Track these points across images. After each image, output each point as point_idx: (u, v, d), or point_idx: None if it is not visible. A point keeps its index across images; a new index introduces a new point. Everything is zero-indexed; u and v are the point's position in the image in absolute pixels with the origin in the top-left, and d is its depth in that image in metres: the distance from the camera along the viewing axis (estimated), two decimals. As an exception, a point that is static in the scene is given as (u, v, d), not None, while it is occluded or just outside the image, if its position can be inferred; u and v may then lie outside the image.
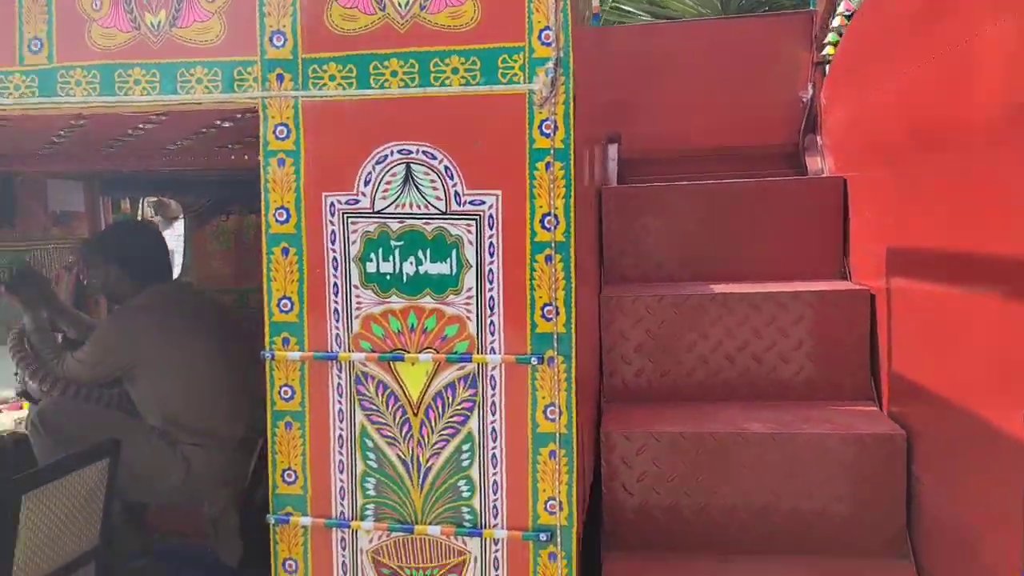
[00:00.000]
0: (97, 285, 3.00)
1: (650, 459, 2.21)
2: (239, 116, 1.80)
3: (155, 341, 2.85)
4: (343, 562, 1.73)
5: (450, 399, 1.67)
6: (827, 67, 3.07)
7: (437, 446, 1.68)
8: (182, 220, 4.00)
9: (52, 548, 2.19)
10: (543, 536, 1.64)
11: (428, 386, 1.67)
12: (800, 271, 2.72)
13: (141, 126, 2.00)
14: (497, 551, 1.68)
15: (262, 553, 3.02)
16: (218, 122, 1.97)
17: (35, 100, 1.76)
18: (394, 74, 1.63)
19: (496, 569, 1.68)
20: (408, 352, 1.67)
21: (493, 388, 1.66)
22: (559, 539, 1.65)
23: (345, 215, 1.67)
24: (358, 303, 1.68)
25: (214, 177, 3.39)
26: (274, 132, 1.68)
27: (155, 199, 3.95)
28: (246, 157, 2.59)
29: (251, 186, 3.47)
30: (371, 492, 1.71)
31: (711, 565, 2.13)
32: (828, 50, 3.00)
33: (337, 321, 1.69)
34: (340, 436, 1.71)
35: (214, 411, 2.91)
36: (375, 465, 1.70)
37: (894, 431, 2.14)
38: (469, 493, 1.68)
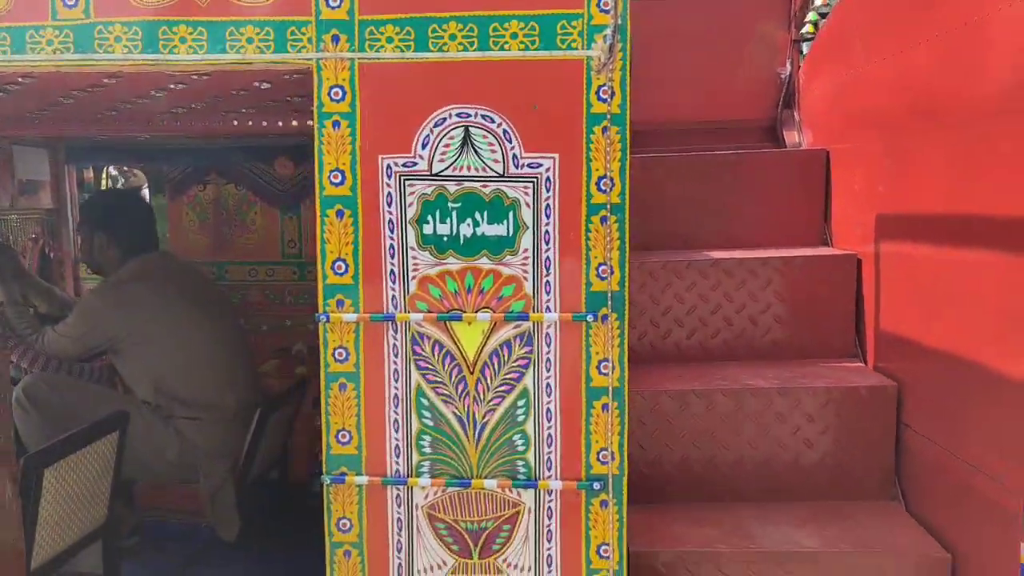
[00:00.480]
0: (81, 255, 2.90)
1: (662, 416, 2.32)
2: (288, 77, 1.78)
3: (145, 312, 2.78)
4: (398, 518, 1.76)
5: (506, 357, 1.72)
6: (804, 45, 3.22)
7: (493, 402, 1.73)
8: (146, 190, 3.88)
9: (66, 525, 2.14)
10: (596, 485, 1.73)
11: (484, 345, 1.72)
12: (785, 239, 2.88)
13: (173, 86, 1.95)
14: (551, 501, 1.75)
15: (257, 527, 3.01)
16: (256, 84, 1.94)
17: (71, 56, 1.69)
18: (452, 37, 1.65)
19: (550, 518, 1.75)
20: (465, 312, 1.71)
21: (548, 345, 1.72)
22: (611, 487, 1.73)
23: (402, 177, 1.69)
24: (415, 265, 1.71)
25: (191, 145, 3.31)
26: (329, 94, 1.68)
27: (120, 169, 3.80)
28: (264, 123, 2.56)
29: (230, 154, 3.40)
30: (427, 449, 1.75)
31: (719, 513, 2.27)
32: (807, 28, 3.16)
33: (393, 283, 1.72)
34: (395, 396, 1.74)
35: (207, 383, 2.87)
36: (431, 423, 1.74)
37: (886, 383, 2.32)
38: (524, 447, 1.74)
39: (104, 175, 3.72)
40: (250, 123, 2.61)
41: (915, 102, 2.21)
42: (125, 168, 3.74)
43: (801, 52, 3.27)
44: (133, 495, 2.99)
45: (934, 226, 2.14)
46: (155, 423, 2.76)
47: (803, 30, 3.18)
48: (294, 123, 2.69)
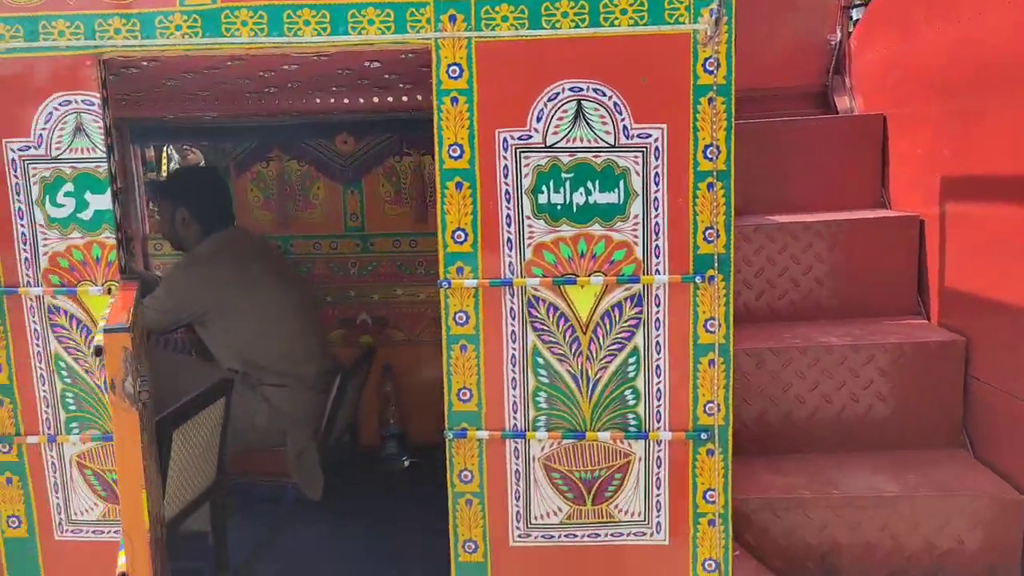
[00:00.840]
0: (162, 230, 3.00)
1: (739, 373, 2.44)
2: (404, 56, 1.87)
3: (229, 286, 2.89)
4: (516, 469, 1.89)
5: (617, 317, 1.83)
6: (854, 11, 3.28)
7: (605, 360, 1.85)
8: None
9: (186, 485, 2.26)
10: (703, 435, 1.85)
11: (596, 306, 1.83)
12: (841, 202, 2.97)
13: (286, 67, 2.04)
14: (660, 451, 1.87)
15: (339, 486, 3.15)
16: (367, 63, 2.03)
17: (199, 41, 1.78)
18: (565, 14, 1.74)
19: (659, 467, 1.88)
20: (579, 276, 1.82)
21: (658, 306, 1.83)
22: (716, 437, 1.85)
23: (518, 150, 1.79)
24: (530, 232, 1.81)
25: (255, 123, 3.39)
26: (447, 71, 1.77)
27: (180, 147, 3.88)
28: (388, 99, 2.66)
29: (295, 131, 3.48)
30: (543, 405, 1.86)
31: (799, 463, 2.39)
32: (858, -5, 3.22)
33: (510, 250, 1.82)
34: (513, 356, 1.85)
35: (290, 352, 2.99)
36: (546, 380, 1.86)
37: (955, 338, 2.43)
38: (635, 401, 1.86)
39: (164, 154, 3.81)
40: (361, 100, 2.73)
41: (986, 65, 2.29)
42: (185, 147, 3.82)
43: (851, 18, 3.33)
44: (223, 459, 3.12)
45: (1004, 186, 2.23)
46: (244, 391, 2.88)
47: (854, -3, 3.24)
48: (404, 99, 2.81)
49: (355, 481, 3.29)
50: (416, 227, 3.57)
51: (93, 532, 1.96)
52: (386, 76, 2.32)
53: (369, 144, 3.54)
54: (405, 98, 2.89)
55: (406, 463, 3.48)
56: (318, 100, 2.75)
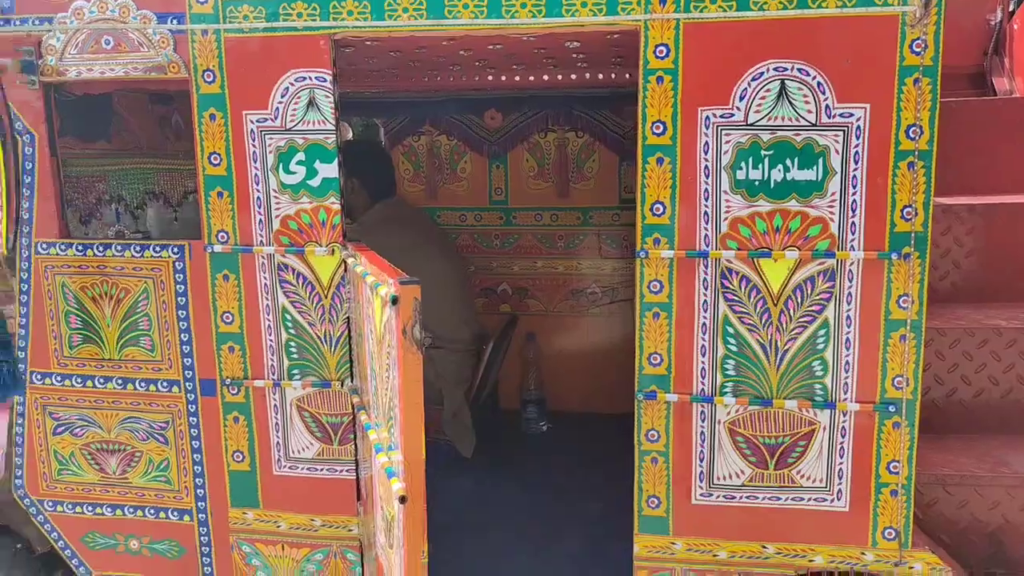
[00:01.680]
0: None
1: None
2: (614, 35, 1.97)
3: (395, 253, 3.03)
4: (701, 432, 1.99)
5: (809, 291, 1.90)
6: (1019, -10, 3.19)
7: (794, 332, 1.92)
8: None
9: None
10: (891, 408, 1.90)
11: (789, 280, 1.91)
12: (1006, 185, 2.92)
13: (491, 47, 2.17)
14: (845, 421, 1.94)
15: (485, 446, 3.31)
16: (566, 43, 2.14)
17: (423, 22, 1.93)
18: (774, -3, 1.80)
19: (843, 436, 1.95)
20: (773, 250, 1.89)
21: (850, 281, 1.89)
22: (903, 411, 1.91)
23: (719, 127, 1.87)
24: (727, 207, 1.90)
25: (409, 98, 3.56)
26: (654, 52, 1.86)
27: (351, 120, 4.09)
28: (530, 77, 2.78)
29: (445, 106, 3.63)
30: (731, 372, 1.96)
31: (967, 442, 2.40)
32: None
33: (707, 223, 1.91)
34: (704, 324, 1.95)
35: (449, 316, 3.16)
36: (735, 349, 1.95)
37: None
38: (822, 372, 1.93)
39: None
40: (530, 77, 2.88)
41: None
42: (361, 119, 4.00)
43: (1015, -2, 3.25)
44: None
45: None
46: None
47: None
48: (600, 76, 2.95)
49: (498, 441, 3.46)
50: (558, 202, 3.69)
51: (307, 469, 2.17)
52: (573, 55, 2.43)
53: (515, 120, 3.66)
54: (572, 76, 3.00)
55: (544, 427, 3.63)
56: (489, 77, 2.88)
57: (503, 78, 3.02)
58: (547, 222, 3.73)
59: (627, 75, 2.91)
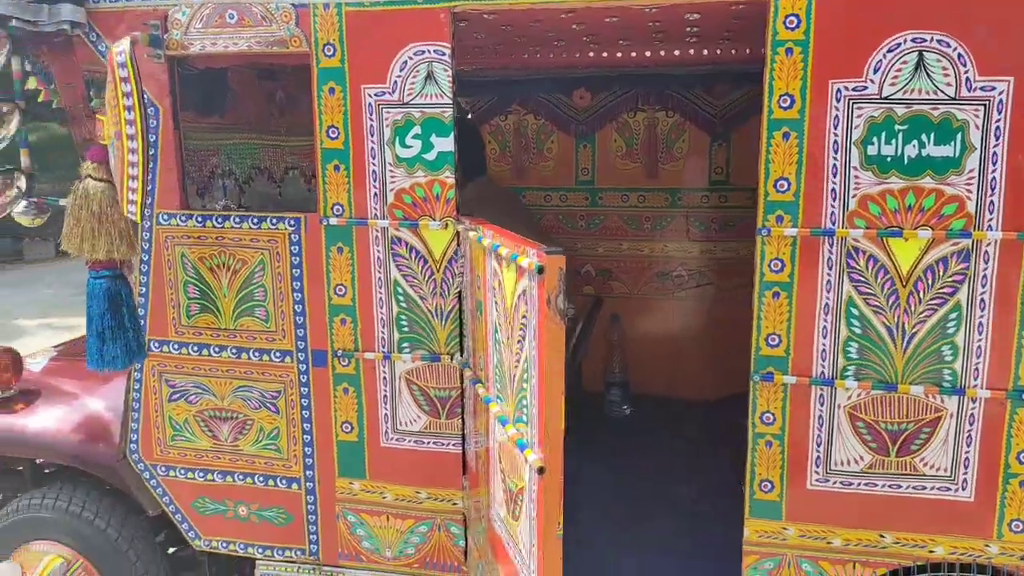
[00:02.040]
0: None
1: None
2: (739, 5, 1.92)
3: (486, 231, 3.07)
4: (819, 415, 1.94)
5: (941, 272, 1.83)
6: None
7: (923, 315, 1.86)
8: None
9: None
10: (1024, 395, 1.83)
11: (920, 260, 1.84)
12: None
13: (607, 19, 2.14)
14: (974, 408, 1.87)
15: (570, 425, 3.30)
16: (687, 16, 2.10)
17: (545, -5, 1.91)
18: (914, -35, 1.73)
19: (971, 424, 1.88)
20: (904, 228, 1.83)
21: (986, 262, 1.81)
22: (1038, 398, 1.83)
23: (850, 101, 1.81)
24: (856, 183, 1.84)
25: (497, 77, 3.55)
26: (784, 23, 1.81)
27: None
28: (630, 54, 2.74)
29: (531, 86, 3.59)
30: (853, 355, 1.90)
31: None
32: None
33: (833, 200, 1.85)
34: (826, 305, 1.90)
35: (538, 297, 3.15)
36: (859, 331, 1.89)
37: None
38: (952, 357, 1.86)
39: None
40: (633, 54, 2.84)
41: None
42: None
43: None
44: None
45: None
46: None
47: None
48: (704, 52, 2.90)
49: (582, 422, 3.45)
50: (646, 183, 3.64)
51: (414, 442, 2.20)
52: (687, 29, 2.38)
53: (605, 99, 3.62)
54: (675, 52, 2.95)
55: (627, 411, 3.61)
56: (591, 54, 2.85)
57: (598, 55, 2.98)
58: (634, 203, 3.68)
59: (732, 51, 2.84)
